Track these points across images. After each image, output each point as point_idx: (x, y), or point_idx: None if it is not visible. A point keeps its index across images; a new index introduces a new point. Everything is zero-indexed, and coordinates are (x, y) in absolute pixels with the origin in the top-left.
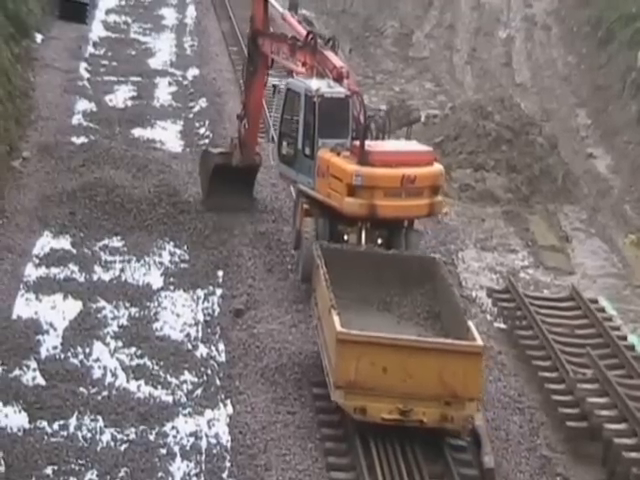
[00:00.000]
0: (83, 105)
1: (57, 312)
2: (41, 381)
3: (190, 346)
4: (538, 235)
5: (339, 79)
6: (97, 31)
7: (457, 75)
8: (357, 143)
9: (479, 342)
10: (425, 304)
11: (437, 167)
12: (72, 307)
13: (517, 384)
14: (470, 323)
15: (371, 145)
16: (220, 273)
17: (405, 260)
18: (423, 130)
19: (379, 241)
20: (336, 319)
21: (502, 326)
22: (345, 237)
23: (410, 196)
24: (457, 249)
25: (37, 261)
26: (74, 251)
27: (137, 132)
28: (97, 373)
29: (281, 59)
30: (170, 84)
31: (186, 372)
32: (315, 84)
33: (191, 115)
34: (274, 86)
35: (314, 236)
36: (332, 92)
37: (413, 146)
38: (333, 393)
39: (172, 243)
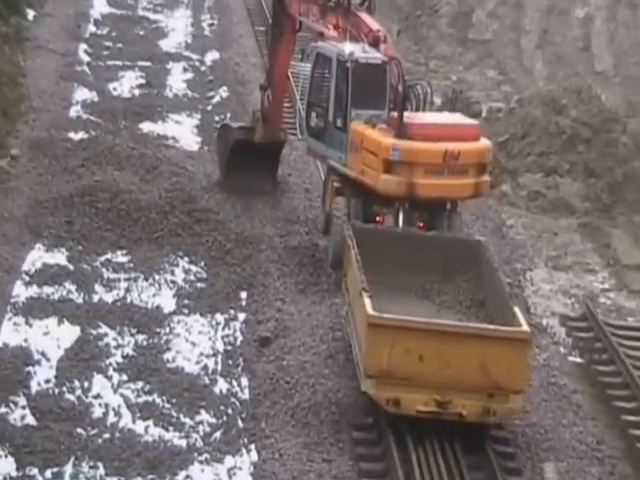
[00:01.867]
0: (82, 94)
1: (51, 339)
2: (31, 421)
3: (207, 381)
4: (621, 252)
5: (375, 44)
6: (99, 7)
7: (525, 62)
8: (395, 114)
9: (525, 328)
10: (469, 291)
11: (484, 142)
12: (68, 333)
13: (596, 429)
14: (516, 309)
15: (410, 117)
16: (243, 294)
17: (447, 243)
18: (484, 126)
19: (419, 224)
20: (367, 302)
21: (578, 360)
22: (378, 219)
23: (454, 174)
24: (525, 269)
25: (27, 279)
26: (71, 267)
27: (146, 127)
28: (97, 412)
29: (310, 22)
30: (185, 70)
31: (203, 411)
32: (348, 48)
33: (210, 107)
34: (302, 51)
35: (346, 218)
36: (367, 57)
37: (457, 119)
38: (363, 383)
39: (187, 258)
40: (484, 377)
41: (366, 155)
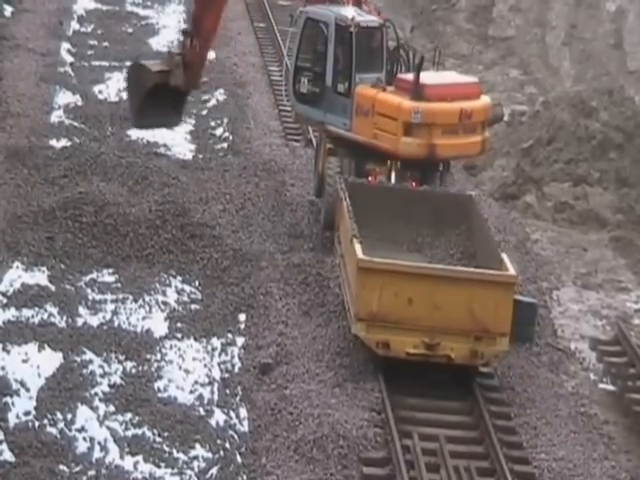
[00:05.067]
0: (65, 98)
1: (30, 367)
2: (9, 456)
3: (203, 412)
4: None
5: (357, 5)
6: (83, 2)
7: (551, 60)
8: (403, 76)
9: (512, 272)
10: (460, 245)
11: (486, 99)
12: (50, 360)
13: (629, 464)
14: (504, 256)
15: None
16: (242, 317)
17: (439, 198)
18: (506, 131)
19: (412, 184)
20: (358, 247)
21: (610, 388)
22: (370, 179)
23: (466, 133)
24: (551, 287)
25: (4, 300)
26: (52, 288)
27: (134, 134)
28: (82, 446)
29: None
30: None
31: (197, 446)
32: (349, 12)
33: (204, 111)
34: (291, 16)
35: (338, 177)
36: (367, 21)
37: (458, 77)
38: (354, 326)
39: (180, 278)
40: (472, 320)
41: (380, 119)
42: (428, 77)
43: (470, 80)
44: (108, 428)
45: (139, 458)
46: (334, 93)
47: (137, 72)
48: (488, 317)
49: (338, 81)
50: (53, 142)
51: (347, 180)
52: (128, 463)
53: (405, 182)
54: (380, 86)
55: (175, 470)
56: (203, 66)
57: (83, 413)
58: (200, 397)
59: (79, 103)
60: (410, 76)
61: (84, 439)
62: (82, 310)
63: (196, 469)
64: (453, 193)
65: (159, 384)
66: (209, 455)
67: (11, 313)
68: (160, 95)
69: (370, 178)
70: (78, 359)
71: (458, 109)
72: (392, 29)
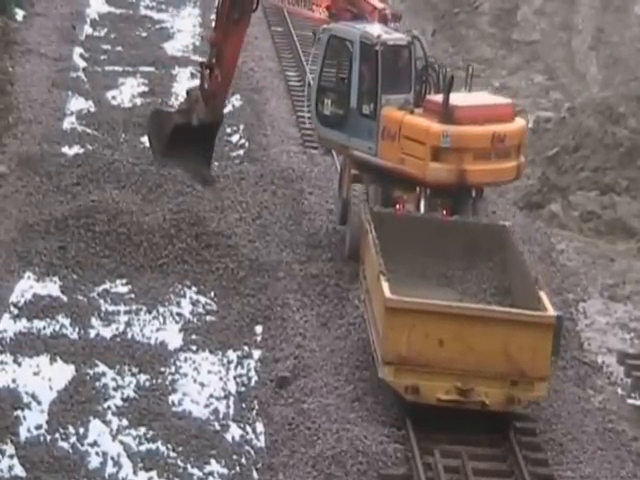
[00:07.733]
0: (77, 104)
1: (42, 380)
2: (20, 472)
3: (218, 426)
4: None
5: (383, 22)
6: (96, 5)
7: (577, 65)
8: (432, 98)
9: (551, 312)
10: (493, 279)
11: (521, 122)
12: (62, 373)
13: None
14: (542, 294)
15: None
16: (259, 329)
17: (470, 228)
18: (531, 139)
19: (442, 212)
20: (385, 285)
21: (638, 403)
22: (398, 207)
23: (499, 158)
24: (577, 299)
25: (16, 311)
26: (65, 298)
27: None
28: (94, 461)
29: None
30: (193, 76)
31: (213, 461)
32: (375, 29)
33: None
34: (314, 33)
35: (364, 205)
36: (394, 39)
37: (491, 98)
38: (381, 370)
39: (195, 288)
40: (507, 363)
41: (407, 143)
42: (458, 98)
43: (503, 101)
44: (121, 443)
45: (153, 474)
46: (359, 115)
47: (157, 118)
48: (525, 360)
49: (363, 102)
50: (65, 149)
51: (372, 210)
52: (142, 479)
53: (435, 211)
54: (408, 108)
55: None
56: (226, 97)
57: (96, 427)
58: (215, 411)
59: (92, 109)
60: (439, 97)
61: (97, 454)
62: (95, 321)
63: None
64: (486, 223)
65: (173, 398)
66: (225, 471)
67: (22, 324)
68: (185, 142)
69: (398, 206)
70: (91, 372)
71: (490, 132)
72: (420, 47)
